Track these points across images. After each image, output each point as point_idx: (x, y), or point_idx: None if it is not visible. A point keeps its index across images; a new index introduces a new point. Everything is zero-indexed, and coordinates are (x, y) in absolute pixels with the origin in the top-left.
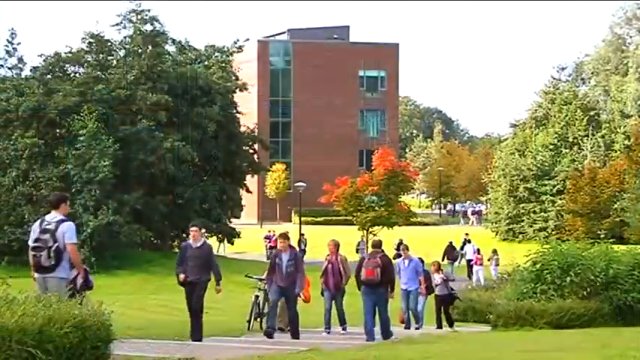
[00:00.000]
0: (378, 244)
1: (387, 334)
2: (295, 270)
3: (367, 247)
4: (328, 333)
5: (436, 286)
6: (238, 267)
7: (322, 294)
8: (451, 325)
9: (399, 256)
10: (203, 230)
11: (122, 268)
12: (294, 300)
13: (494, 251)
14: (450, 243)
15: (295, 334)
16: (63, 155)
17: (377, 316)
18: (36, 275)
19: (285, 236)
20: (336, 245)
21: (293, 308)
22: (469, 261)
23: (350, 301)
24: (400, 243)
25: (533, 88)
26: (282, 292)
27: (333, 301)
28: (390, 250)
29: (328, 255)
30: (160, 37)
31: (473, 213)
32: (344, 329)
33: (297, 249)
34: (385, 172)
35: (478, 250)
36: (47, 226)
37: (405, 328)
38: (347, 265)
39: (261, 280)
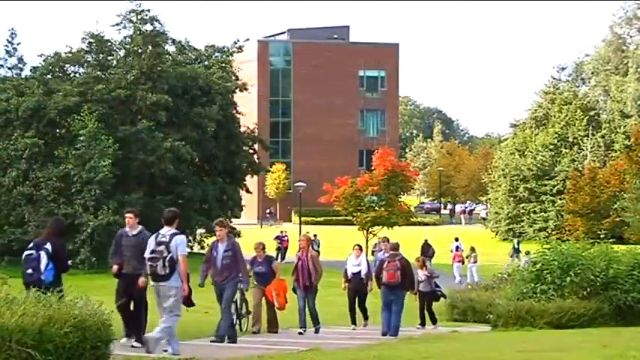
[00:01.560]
0: (396, 247)
1: (396, 332)
2: (233, 262)
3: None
4: (301, 333)
5: (420, 282)
6: None
7: (294, 291)
8: (434, 322)
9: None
10: (204, 230)
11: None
12: (231, 298)
13: (472, 249)
14: (426, 241)
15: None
16: (63, 155)
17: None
18: (152, 283)
19: (222, 224)
20: (308, 241)
21: (227, 311)
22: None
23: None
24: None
25: (533, 88)
26: (219, 288)
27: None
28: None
29: (299, 251)
30: (160, 37)
31: (462, 212)
32: (316, 330)
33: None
34: (385, 172)
35: (457, 247)
36: (162, 239)
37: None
38: (318, 262)
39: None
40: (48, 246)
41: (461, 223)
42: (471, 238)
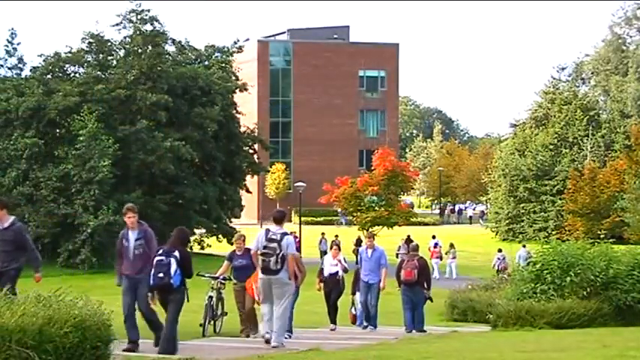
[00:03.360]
0: (415, 248)
1: (422, 328)
2: (147, 252)
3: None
4: (289, 337)
5: None
6: None
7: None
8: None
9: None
10: (204, 230)
11: None
12: (145, 297)
13: (451, 245)
14: (408, 236)
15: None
16: (63, 155)
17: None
18: (262, 276)
19: (133, 209)
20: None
21: (147, 309)
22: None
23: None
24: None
25: (533, 88)
26: (132, 282)
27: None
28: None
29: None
30: (160, 37)
31: (452, 211)
32: (288, 336)
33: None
34: (385, 172)
35: (436, 244)
36: (273, 237)
37: (357, 324)
38: (301, 263)
39: (214, 278)
40: (176, 253)
41: (452, 223)
42: (471, 239)
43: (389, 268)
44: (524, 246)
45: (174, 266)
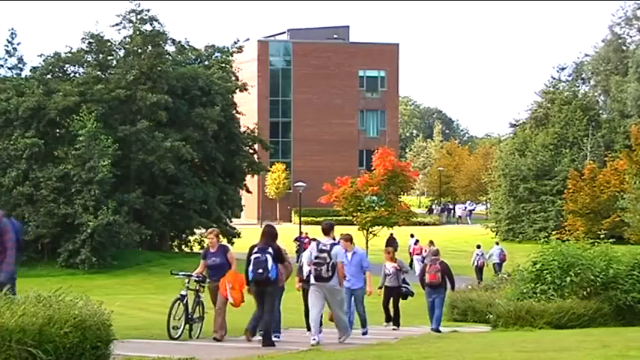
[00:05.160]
0: (436, 253)
1: (438, 329)
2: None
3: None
4: (277, 338)
5: (387, 275)
6: (239, 267)
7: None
8: (397, 323)
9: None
10: (204, 230)
11: (122, 268)
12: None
13: (431, 242)
14: (391, 235)
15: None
16: (63, 155)
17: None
18: (314, 283)
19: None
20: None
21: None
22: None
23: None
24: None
25: (533, 88)
26: None
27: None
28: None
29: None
30: (160, 37)
31: (442, 211)
32: (277, 337)
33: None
34: (385, 172)
35: (417, 241)
36: (323, 247)
37: (362, 333)
38: (287, 261)
39: (189, 276)
40: (270, 250)
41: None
42: (471, 239)
43: (372, 270)
44: (497, 243)
45: (270, 262)
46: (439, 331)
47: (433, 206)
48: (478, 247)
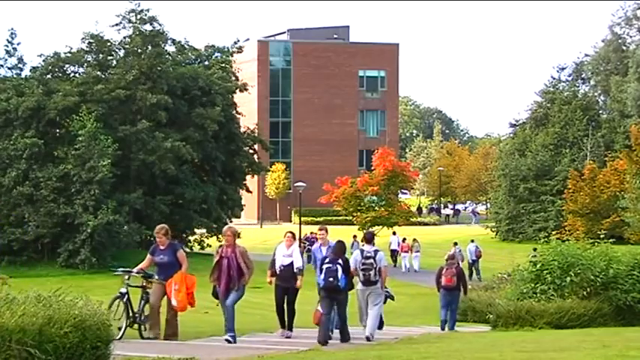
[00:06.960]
0: (452, 257)
1: (454, 325)
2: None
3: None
4: (229, 341)
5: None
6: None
7: (213, 295)
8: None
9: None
10: (204, 230)
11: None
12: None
13: (415, 240)
14: (455, 242)
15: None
16: (63, 155)
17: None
18: (362, 287)
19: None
20: (234, 234)
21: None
22: (393, 251)
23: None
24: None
25: (533, 88)
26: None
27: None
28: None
29: (221, 246)
30: (160, 37)
31: (431, 210)
32: (229, 339)
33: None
34: (385, 172)
35: (404, 239)
36: (368, 254)
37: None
38: (248, 259)
39: (128, 272)
40: (340, 261)
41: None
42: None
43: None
44: (472, 240)
45: (340, 272)
46: (456, 332)
47: (442, 208)
48: (455, 244)
